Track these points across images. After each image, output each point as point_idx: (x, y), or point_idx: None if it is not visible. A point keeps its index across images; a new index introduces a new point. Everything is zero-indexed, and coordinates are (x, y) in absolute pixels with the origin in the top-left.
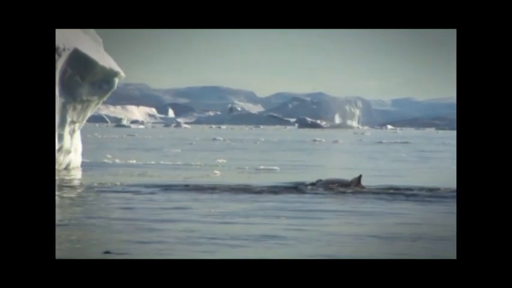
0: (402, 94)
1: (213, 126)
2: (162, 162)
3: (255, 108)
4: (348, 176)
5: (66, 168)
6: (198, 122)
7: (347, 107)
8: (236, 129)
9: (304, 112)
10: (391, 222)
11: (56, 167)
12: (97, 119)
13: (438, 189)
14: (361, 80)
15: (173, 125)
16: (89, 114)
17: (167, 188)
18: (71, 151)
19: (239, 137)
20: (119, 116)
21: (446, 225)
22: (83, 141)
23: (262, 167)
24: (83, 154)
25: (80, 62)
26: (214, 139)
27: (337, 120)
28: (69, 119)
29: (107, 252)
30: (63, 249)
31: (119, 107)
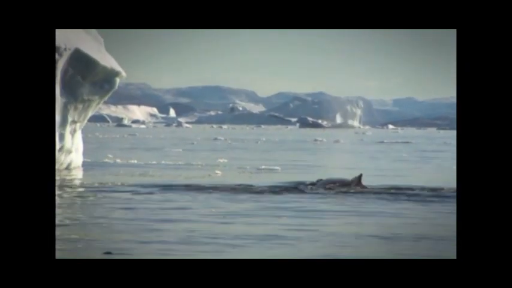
0: (402, 94)
1: (214, 125)
2: (163, 162)
3: (256, 108)
4: (349, 176)
5: (67, 168)
6: (199, 121)
7: (348, 107)
8: (237, 129)
9: (305, 112)
10: (391, 222)
11: (57, 166)
12: (98, 118)
13: (442, 189)
14: (362, 80)
15: (174, 124)
16: (90, 113)
17: (168, 187)
18: (72, 151)
19: (240, 136)
20: (120, 116)
21: (447, 225)
22: (84, 141)
23: (263, 166)
24: (84, 154)
25: (81, 61)
26: (216, 139)
27: (339, 120)
28: (70, 119)
29: (108, 253)
30: (63, 249)
31: (120, 107)
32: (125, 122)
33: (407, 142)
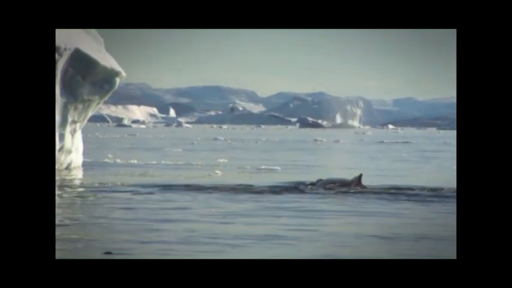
0: (402, 94)
1: (214, 125)
2: (163, 162)
3: (256, 108)
4: (349, 176)
5: (67, 168)
6: (199, 121)
7: (348, 107)
8: (237, 129)
9: (305, 112)
10: (391, 222)
11: (57, 166)
12: (98, 118)
13: (442, 189)
14: (362, 80)
15: (174, 124)
16: (90, 113)
17: (168, 187)
18: (72, 151)
19: (240, 136)
20: (120, 116)
21: (447, 225)
22: (84, 141)
23: (263, 166)
24: (84, 154)
25: (81, 61)
26: (216, 139)
27: (339, 120)
28: (70, 119)
29: (108, 253)
30: (63, 249)
31: (120, 107)
32: (125, 122)
33: (407, 142)
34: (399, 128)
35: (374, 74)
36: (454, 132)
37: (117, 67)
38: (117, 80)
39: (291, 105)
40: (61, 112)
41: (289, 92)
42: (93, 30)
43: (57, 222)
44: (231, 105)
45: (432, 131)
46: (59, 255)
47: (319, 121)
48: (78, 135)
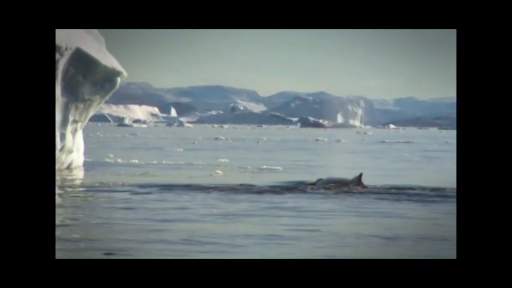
0: (402, 94)
1: (216, 125)
2: (164, 161)
3: (258, 108)
4: (350, 176)
5: (68, 167)
6: (200, 121)
7: (349, 107)
8: (238, 129)
9: (306, 111)
10: (392, 222)
11: (58, 166)
12: (99, 118)
13: (442, 189)
14: (363, 80)
15: (175, 124)
16: (91, 113)
17: (169, 187)
18: (73, 150)
19: (241, 136)
20: (121, 115)
21: (448, 225)
22: (85, 141)
23: (264, 166)
24: (85, 153)
25: (82, 61)
26: (217, 138)
27: (340, 119)
28: (71, 118)
29: (109, 254)
30: (63, 249)
31: (121, 106)
32: (126, 121)
33: (409, 142)
34: (400, 128)
35: (374, 73)
36: (456, 132)
37: (118, 67)
38: (118, 79)
39: (292, 104)
40: (62, 112)
41: (291, 91)
42: (94, 30)
43: (57, 222)
44: (232, 104)
45: (433, 130)
46: (59, 255)
47: (321, 121)
48: (79, 134)
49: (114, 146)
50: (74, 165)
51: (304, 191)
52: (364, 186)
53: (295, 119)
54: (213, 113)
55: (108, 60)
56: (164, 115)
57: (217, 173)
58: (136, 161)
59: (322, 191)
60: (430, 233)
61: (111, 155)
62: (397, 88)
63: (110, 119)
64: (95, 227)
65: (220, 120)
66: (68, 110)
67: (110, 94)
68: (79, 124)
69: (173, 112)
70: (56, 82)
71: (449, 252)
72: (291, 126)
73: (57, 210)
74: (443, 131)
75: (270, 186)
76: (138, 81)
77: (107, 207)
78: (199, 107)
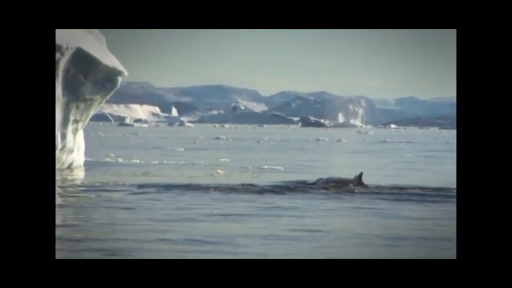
0: (403, 94)
1: (217, 125)
2: (165, 161)
3: (259, 107)
4: (351, 175)
5: (69, 167)
6: (201, 120)
7: (350, 106)
8: (239, 128)
9: (307, 111)
10: (392, 222)
11: (59, 166)
12: (100, 117)
13: (443, 188)
14: (364, 80)
15: (177, 123)
16: (92, 113)
17: (170, 187)
18: (74, 150)
19: (242, 136)
20: (123, 115)
21: (447, 225)
22: (86, 140)
23: (265, 166)
24: (86, 153)
25: (83, 60)
26: (218, 138)
27: (341, 119)
28: (72, 118)
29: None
30: (63, 249)
31: (122, 106)
32: (127, 121)
33: (410, 142)
34: (401, 128)
35: (375, 73)
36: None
37: (119, 66)
38: (119, 79)
39: (293, 104)
40: (63, 111)
41: (292, 91)
42: (95, 30)
43: (57, 222)
44: (233, 104)
45: (434, 130)
46: (59, 255)
47: (322, 120)
48: (80, 134)
49: (115, 145)
50: (74, 164)
51: (304, 191)
52: (365, 186)
53: (296, 119)
54: (214, 112)
55: (109, 59)
56: (165, 115)
57: (219, 173)
58: (137, 161)
59: (322, 190)
60: (430, 233)
61: (112, 155)
62: (397, 88)
63: (111, 118)
64: (95, 227)
65: (221, 119)
66: (69, 110)
67: (111, 94)
68: (80, 124)
69: (174, 112)
70: (57, 81)
71: (449, 252)
72: (292, 126)
73: (58, 210)
74: (444, 131)
75: (271, 186)
76: (139, 81)
77: (108, 207)
78: (201, 107)
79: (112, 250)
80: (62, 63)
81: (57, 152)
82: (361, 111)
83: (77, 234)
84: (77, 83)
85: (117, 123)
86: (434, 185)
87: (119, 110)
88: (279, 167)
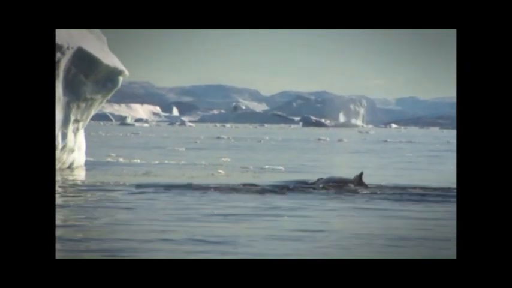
0: (403, 94)
1: (218, 124)
2: (166, 161)
3: (260, 107)
4: (352, 175)
5: (70, 167)
6: (202, 120)
7: (351, 106)
8: (240, 128)
9: (308, 111)
10: (393, 222)
11: (59, 165)
12: (101, 117)
13: (444, 188)
14: (362, 80)
15: (177, 123)
16: (93, 112)
17: (170, 187)
18: (75, 150)
19: (243, 135)
20: (123, 114)
21: (448, 225)
22: (87, 140)
23: (266, 166)
24: (87, 153)
25: (84, 60)
26: (219, 137)
27: (342, 119)
28: (72, 118)
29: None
30: (63, 249)
31: (123, 105)
32: (128, 120)
33: (411, 141)
34: (402, 127)
35: (374, 74)
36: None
37: (120, 66)
38: (120, 78)
39: (294, 104)
40: (64, 111)
41: (293, 90)
42: (96, 29)
43: (58, 222)
44: (234, 104)
45: (435, 130)
46: (59, 255)
47: (323, 120)
48: (81, 134)
49: (115, 145)
50: (75, 164)
51: (304, 191)
52: (365, 186)
53: (297, 118)
54: (215, 112)
55: (110, 59)
56: (166, 114)
57: (219, 173)
58: (138, 161)
59: (322, 190)
60: (431, 233)
61: (112, 154)
62: (397, 88)
63: (111, 118)
64: (95, 227)
65: (222, 119)
66: (70, 109)
67: (112, 93)
68: (80, 123)
69: (175, 111)
70: (58, 81)
71: (449, 252)
72: (293, 126)
73: (58, 210)
74: (445, 131)
75: (272, 186)
76: (140, 80)
77: (108, 207)
78: (201, 106)
79: (112, 250)
80: (63, 62)
81: (57, 152)
82: (362, 110)
83: (77, 234)
84: (78, 83)
85: (118, 122)
86: (435, 185)
87: (119, 109)
88: (280, 167)
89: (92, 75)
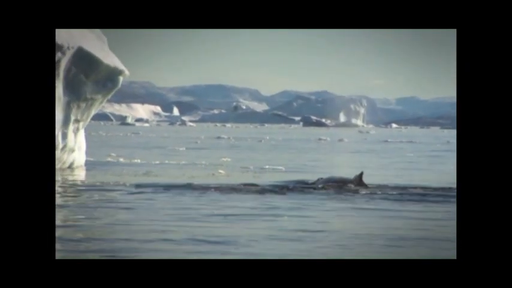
0: (403, 94)
1: (218, 124)
2: (166, 161)
3: (260, 107)
4: (352, 175)
5: (70, 166)
6: (202, 120)
7: (352, 106)
8: (241, 128)
9: (309, 110)
10: (393, 222)
11: (60, 165)
12: (102, 117)
13: (444, 188)
14: (362, 80)
15: (178, 123)
16: (93, 112)
17: (171, 187)
18: (75, 149)
19: (244, 135)
20: (124, 114)
21: (448, 225)
22: (87, 140)
23: (267, 166)
24: (87, 152)
25: (84, 60)
26: (219, 137)
27: (342, 118)
28: (73, 118)
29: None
30: (63, 250)
31: (123, 105)
32: (129, 120)
33: (411, 141)
34: (403, 127)
35: (375, 74)
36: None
37: (120, 66)
38: (121, 78)
39: (295, 104)
40: (64, 111)
41: (293, 90)
42: (97, 29)
43: (58, 222)
44: (234, 103)
45: (435, 129)
46: (59, 255)
47: (323, 120)
48: (81, 133)
49: (116, 145)
50: (75, 164)
51: (304, 191)
52: (365, 186)
53: (297, 118)
54: (216, 112)
55: (110, 59)
56: (166, 114)
57: (220, 173)
58: (139, 160)
59: (322, 190)
60: (431, 233)
61: (113, 154)
62: (397, 88)
63: (112, 117)
64: (95, 227)
65: (222, 119)
66: (70, 109)
67: (112, 93)
68: (81, 123)
69: (175, 111)
70: (58, 81)
71: (449, 252)
72: (293, 125)
73: (58, 210)
74: (445, 131)
75: (272, 186)
76: (141, 80)
77: (108, 207)
78: (202, 106)
79: (112, 250)
80: (63, 62)
81: (58, 152)
82: (362, 110)
83: (77, 234)
84: (78, 83)
85: (119, 122)
86: (435, 185)
87: (120, 109)
88: (281, 167)
89: (93, 75)
